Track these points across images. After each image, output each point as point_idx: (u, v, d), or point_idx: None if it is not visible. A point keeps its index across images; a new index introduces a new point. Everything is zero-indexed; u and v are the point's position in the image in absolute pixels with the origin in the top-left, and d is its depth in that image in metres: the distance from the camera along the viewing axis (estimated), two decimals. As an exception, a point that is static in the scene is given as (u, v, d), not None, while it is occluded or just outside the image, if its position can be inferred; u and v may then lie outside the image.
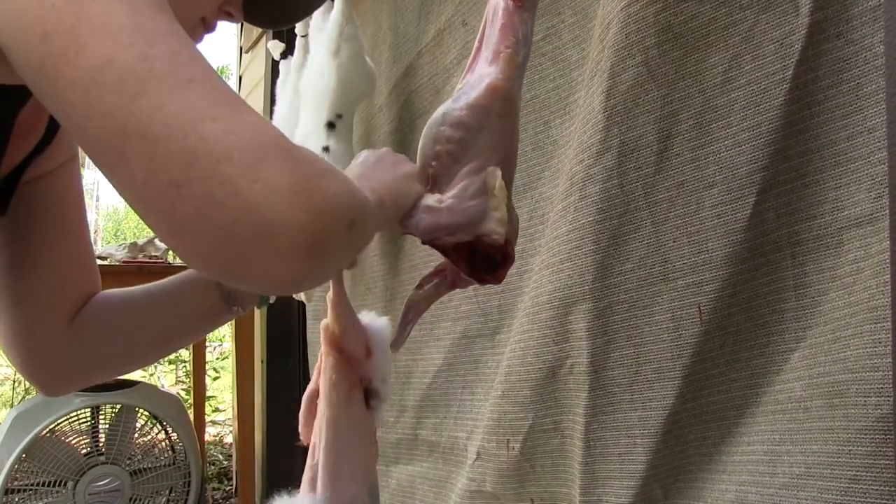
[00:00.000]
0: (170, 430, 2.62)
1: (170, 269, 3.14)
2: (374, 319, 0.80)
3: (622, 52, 1.00)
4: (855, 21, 0.82)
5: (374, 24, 1.89)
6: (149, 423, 2.61)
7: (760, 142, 0.90)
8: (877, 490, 0.77)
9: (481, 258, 0.77)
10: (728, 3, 0.92)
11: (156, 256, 3.03)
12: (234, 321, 3.03)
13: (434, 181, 0.77)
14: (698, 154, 0.96)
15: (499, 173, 0.77)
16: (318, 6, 0.88)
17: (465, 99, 0.78)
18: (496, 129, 0.79)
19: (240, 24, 3.39)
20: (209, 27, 0.77)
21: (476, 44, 0.85)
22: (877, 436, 0.77)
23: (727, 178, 0.93)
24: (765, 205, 0.91)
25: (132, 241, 3.14)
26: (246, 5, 0.80)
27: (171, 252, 3.69)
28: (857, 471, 0.79)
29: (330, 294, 0.76)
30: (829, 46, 0.85)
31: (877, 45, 0.80)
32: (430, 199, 0.75)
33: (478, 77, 0.80)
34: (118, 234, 9.91)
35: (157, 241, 3.13)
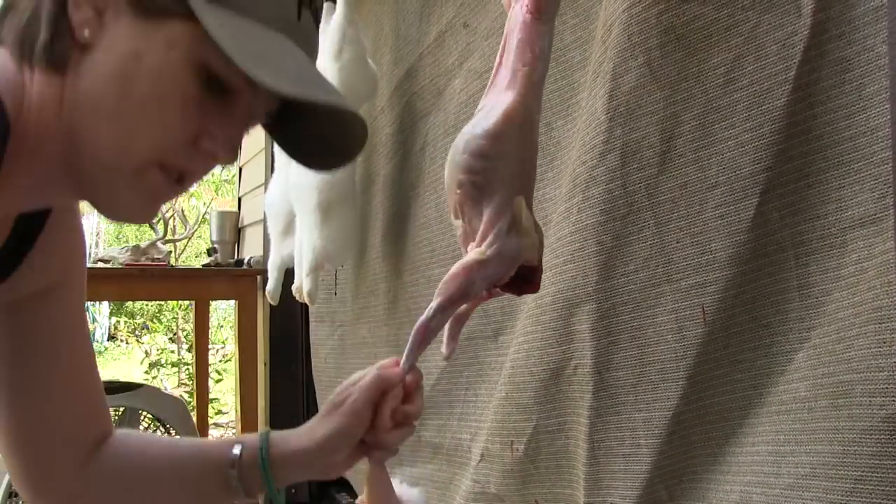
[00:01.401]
0: (173, 432, 2.62)
1: (171, 272, 3.14)
2: (408, 491, 0.87)
3: (624, 53, 1.00)
4: (857, 21, 0.82)
5: (376, 27, 1.89)
6: (152, 426, 2.61)
7: (763, 142, 0.90)
8: (882, 490, 0.77)
9: (519, 277, 0.84)
10: (730, 4, 0.92)
11: (158, 259, 3.03)
12: (236, 323, 3.03)
13: (460, 209, 0.82)
14: (701, 155, 0.96)
15: (523, 203, 0.83)
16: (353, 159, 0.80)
17: (484, 126, 0.81)
18: (516, 154, 0.83)
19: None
20: (175, 169, 0.68)
21: (498, 58, 0.86)
22: (882, 436, 0.77)
23: (730, 178, 0.93)
24: (768, 205, 0.91)
25: (134, 244, 3.15)
26: (295, 153, 0.77)
27: (172, 256, 3.69)
28: (863, 471, 0.79)
29: (368, 472, 0.84)
30: (831, 47, 0.85)
31: (879, 45, 0.80)
32: (474, 255, 0.80)
33: (497, 100, 0.83)
34: (120, 237, 9.92)
35: (159, 244, 3.13)
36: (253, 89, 0.66)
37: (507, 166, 0.82)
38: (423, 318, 0.83)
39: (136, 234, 8.96)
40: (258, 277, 2.92)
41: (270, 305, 2.32)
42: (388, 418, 0.82)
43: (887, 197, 0.79)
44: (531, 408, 1.16)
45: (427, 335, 0.83)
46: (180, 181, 0.68)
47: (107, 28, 0.65)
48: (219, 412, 5.34)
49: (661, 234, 0.99)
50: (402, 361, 0.84)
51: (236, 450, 0.85)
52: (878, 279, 0.78)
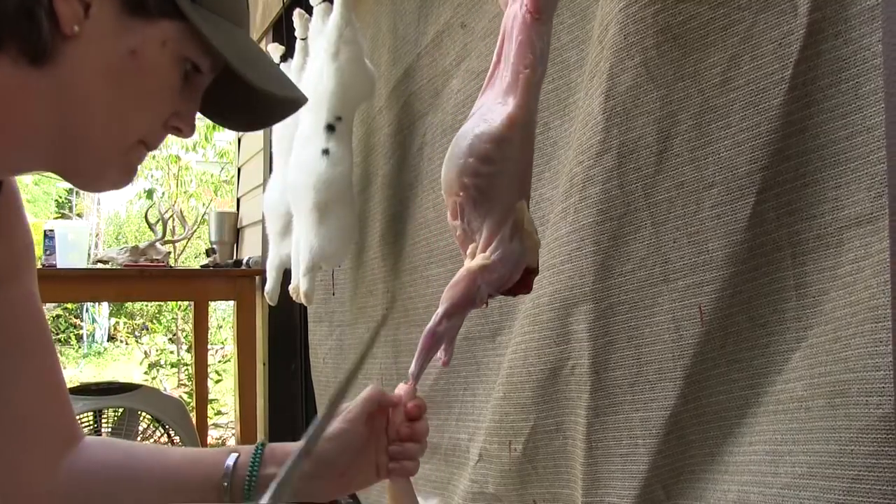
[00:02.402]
0: (172, 433, 2.62)
1: (170, 273, 3.14)
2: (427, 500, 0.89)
3: (621, 52, 1.00)
4: (853, 20, 0.82)
5: (374, 27, 1.89)
6: (151, 427, 2.61)
7: (760, 142, 0.90)
8: (879, 489, 0.77)
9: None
10: (726, 4, 0.92)
11: (157, 260, 3.03)
12: (235, 323, 3.03)
13: (460, 210, 0.83)
14: (698, 154, 0.96)
15: (525, 207, 0.85)
16: (293, 112, 0.84)
17: (488, 130, 0.82)
18: (518, 157, 0.84)
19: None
20: (151, 146, 0.76)
21: (494, 57, 0.86)
22: (879, 435, 0.77)
23: (727, 178, 0.93)
24: (765, 205, 0.91)
25: (133, 244, 3.14)
26: (211, 112, 0.79)
27: (172, 257, 3.69)
28: (860, 470, 0.79)
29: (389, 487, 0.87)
30: (827, 46, 0.85)
31: (875, 44, 0.80)
32: (479, 260, 0.82)
33: (497, 103, 0.84)
34: (119, 237, 9.92)
35: (158, 245, 3.13)
36: (212, 73, 0.75)
37: (509, 170, 0.84)
38: (430, 324, 0.85)
39: (136, 236, 8.96)
40: (257, 278, 2.93)
41: (269, 306, 2.32)
42: (397, 432, 0.86)
43: (883, 196, 0.79)
44: (529, 408, 1.16)
45: (435, 341, 0.85)
46: (149, 148, 0.77)
47: (92, 21, 0.66)
48: (218, 413, 5.34)
49: (658, 234, 0.99)
50: (411, 366, 0.86)
51: (230, 460, 0.85)
52: (874, 278, 0.78)
